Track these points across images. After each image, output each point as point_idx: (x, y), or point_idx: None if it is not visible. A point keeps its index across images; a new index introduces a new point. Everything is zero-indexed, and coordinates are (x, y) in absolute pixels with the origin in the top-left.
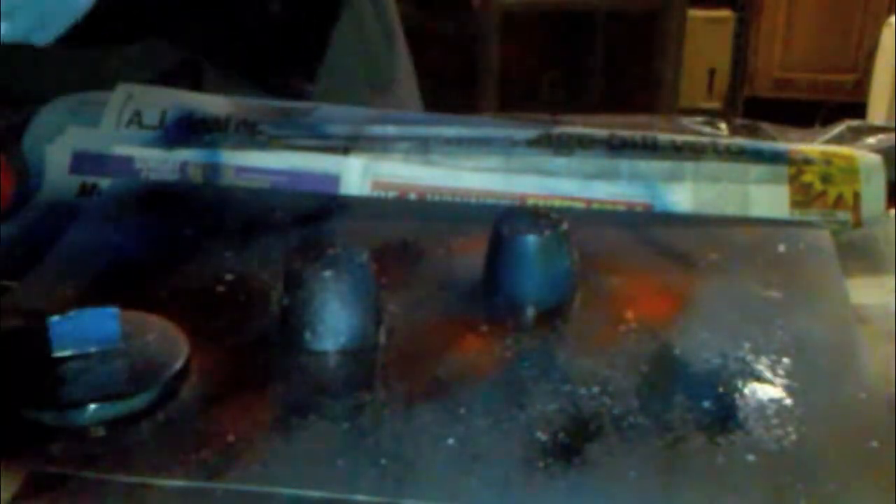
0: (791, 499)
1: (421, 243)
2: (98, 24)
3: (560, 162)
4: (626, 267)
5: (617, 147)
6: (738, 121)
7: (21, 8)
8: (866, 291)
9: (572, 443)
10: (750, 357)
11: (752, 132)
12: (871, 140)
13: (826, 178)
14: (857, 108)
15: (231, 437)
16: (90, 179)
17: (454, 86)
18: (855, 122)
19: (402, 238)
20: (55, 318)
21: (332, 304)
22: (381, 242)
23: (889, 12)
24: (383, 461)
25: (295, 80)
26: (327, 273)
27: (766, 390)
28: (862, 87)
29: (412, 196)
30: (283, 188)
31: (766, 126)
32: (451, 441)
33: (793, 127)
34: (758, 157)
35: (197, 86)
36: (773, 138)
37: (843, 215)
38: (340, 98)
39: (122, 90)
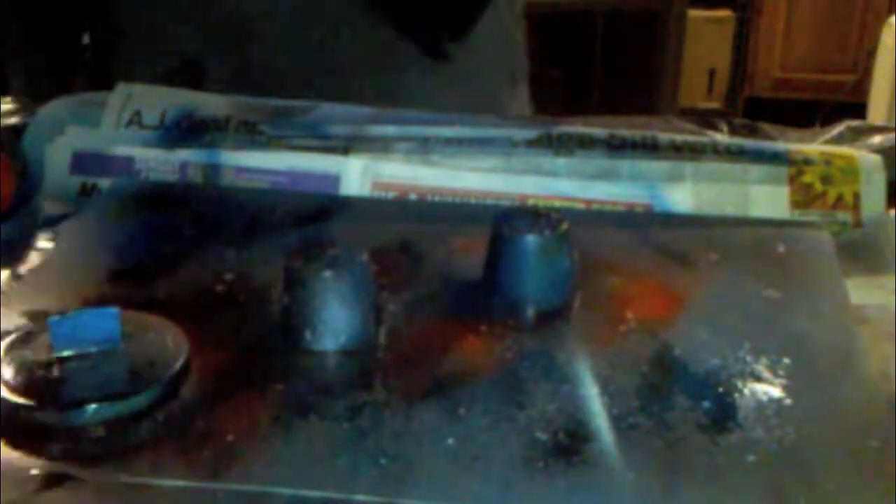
0: (791, 499)
1: (421, 243)
2: None
3: (560, 162)
4: (626, 267)
5: (617, 147)
6: (738, 121)
7: None
8: (866, 291)
9: (572, 443)
10: (750, 357)
11: (752, 132)
12: (871, 140)
13: (826, 179)
14: (857, 108)
15: (231, 437)
16: (90, 179)
17: None
18: (855, 123)
19: (402, 238)
20: (55, 318)
21: (332, 304)
22: (381, 242)
23: (889, 12)
24: (383, 461)
25: (441, 33)
26: (327, 273)
27: (766, 390)
28: (862, 87)
29: (412, 196)
30: (283, 188)
31: (766, 126)
32: (451, 441)
33: (793, 127)
34: (758, 157)
35: (197, 86)
36: (773, 138)
37: (843, 216)
38: (477, 83)
39: (122, 90)
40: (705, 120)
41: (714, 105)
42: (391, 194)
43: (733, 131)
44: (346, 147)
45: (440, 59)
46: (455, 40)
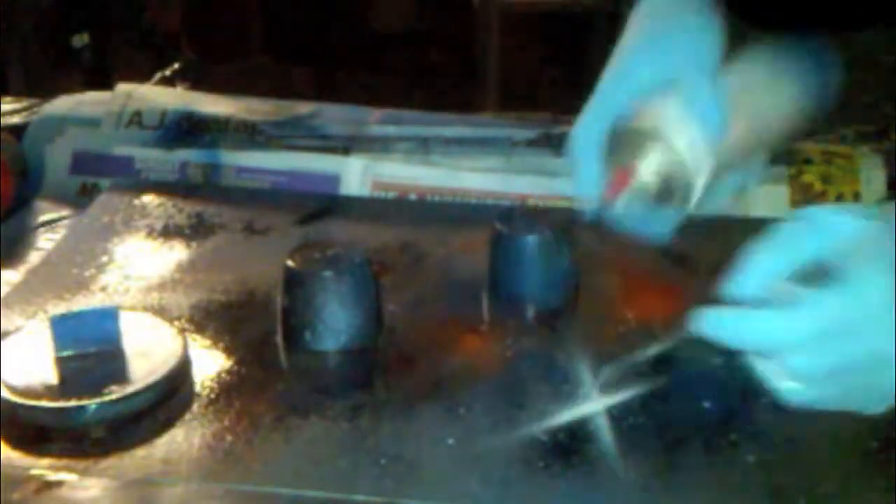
0: (791, 499)
1: (421, 243)
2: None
3: (560, 162)
4: (626, 267)
5: None
6: None
7: None
8: None
9: (572, 443)
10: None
11: None
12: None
13: (826, 178)
14: None
15: (231, 437)
16: (90, 179)
17: (454, 86)
18: (860, 128)
19: (402, 238)
20: (55, 318)
21: (332, 304)
22: (381, 242)
23: None
24: (383, 461)
25: None
26: (327, 273)
27: (766, 390)
28: None
29: (412, 196)
30: (283, 188)
31: None
32: (451, 441)
33: None
34: None
35: (197, 86)
36: None
37: None
38: None
39: (122, 90)
40: None
41: None
42: (391, 194)
43: None
44: (346, 147)
45: None
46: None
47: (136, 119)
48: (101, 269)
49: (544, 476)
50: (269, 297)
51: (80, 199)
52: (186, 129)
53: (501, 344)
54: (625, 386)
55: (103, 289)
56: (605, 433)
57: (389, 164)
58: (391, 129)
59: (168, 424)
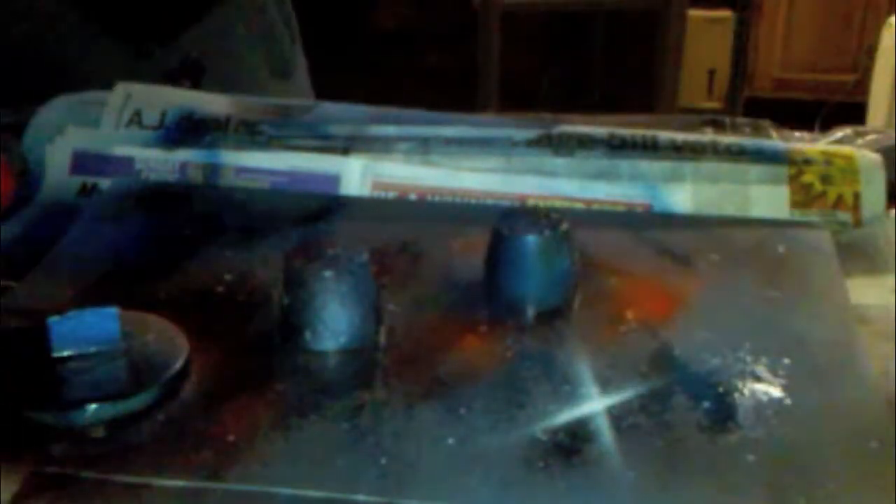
0: (791, 499)
1: (421, 243)
2: None
3: (560, 162)
4: (626, 267)
5: (617, 147)
6: (741, 119)
7: None
8: (866, 291)
9: (572, 443)
10: (750, 357)
11: (756, 130)
12: (871, 138)
13: (826, 179)
14: (857, 108)
15: (231, 437)
16: (90, 179)
17: (454, 86)
18: (860, 128)
19: (402, 238)
20: (55, 318)
21: (332, 304)
22: (381, 242)
23: (889, 12)
24: (383, 461)
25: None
26: (327, 273)
27: (766, 390)
28: (862, 87)
29: (412, 196)
30: (283, 188)
31: (768, 124)
32: (451, 441)
33: (794, 130)
34: (758, 157)
35: (197, 86)
36: (773, 136)
37: (843, 216)
38: (238, 83)
39: (122, 90)
40: (706, 119)
41: (714, 105)
42: (391, 194)
43: (735, 131)
44: (346, 147)
45: (143, 57)
46: (162, 43)
47: (136, 119)
48: (100, 269)
49: (544, 476)
50: (269, 297)
51: (80, 198)
52: (186, 129)
53: (501, 344)
54: (625, 386)
55: (103, 289)
56: (605, 433)
57: (389, 164)
58: (391, 129)
59: (168, 424)
